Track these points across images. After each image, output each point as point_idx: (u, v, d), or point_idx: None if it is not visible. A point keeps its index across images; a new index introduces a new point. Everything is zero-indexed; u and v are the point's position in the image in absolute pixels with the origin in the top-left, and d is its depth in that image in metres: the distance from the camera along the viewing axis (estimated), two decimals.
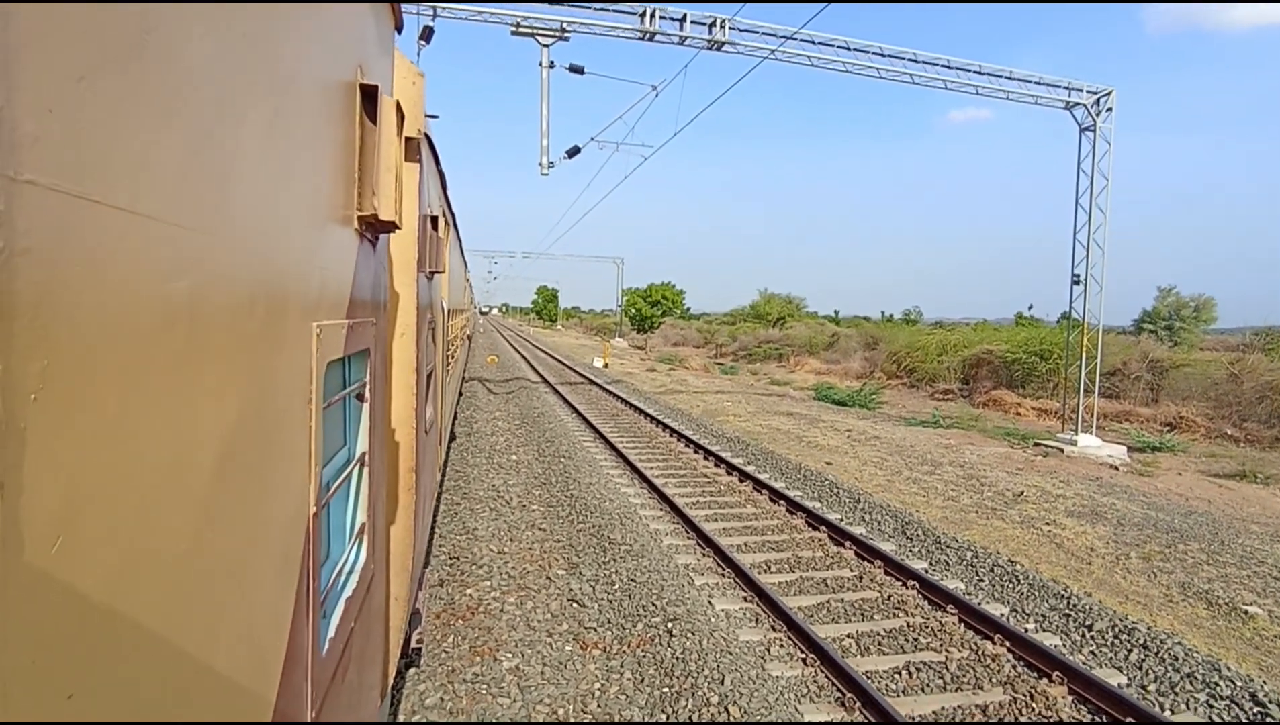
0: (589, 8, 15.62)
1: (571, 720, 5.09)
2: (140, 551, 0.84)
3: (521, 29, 15.55)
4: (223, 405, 1.09)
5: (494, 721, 5.04)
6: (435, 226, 4.75)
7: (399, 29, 3.02)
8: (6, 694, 0.60)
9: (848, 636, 6.62)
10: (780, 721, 5.01)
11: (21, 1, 0.61)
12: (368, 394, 2.51)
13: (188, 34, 0.93)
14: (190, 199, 0.95)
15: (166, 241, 0.88)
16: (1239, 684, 5.79)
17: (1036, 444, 17.98)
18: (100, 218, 0.73)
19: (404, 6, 3.02)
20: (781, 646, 6.40)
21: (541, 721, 5.07)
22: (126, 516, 0.80)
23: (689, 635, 6.33)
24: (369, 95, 2.16)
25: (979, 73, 17.66)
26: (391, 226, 2.39)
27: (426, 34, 14.09)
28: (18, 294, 0.61)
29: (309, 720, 1.64)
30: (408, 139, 3.22)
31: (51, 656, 0.66)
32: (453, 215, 7.89)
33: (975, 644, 6.48)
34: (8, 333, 0.60)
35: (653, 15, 15.68)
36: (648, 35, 15.89)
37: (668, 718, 5.23)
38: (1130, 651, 6.39)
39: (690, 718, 5.21)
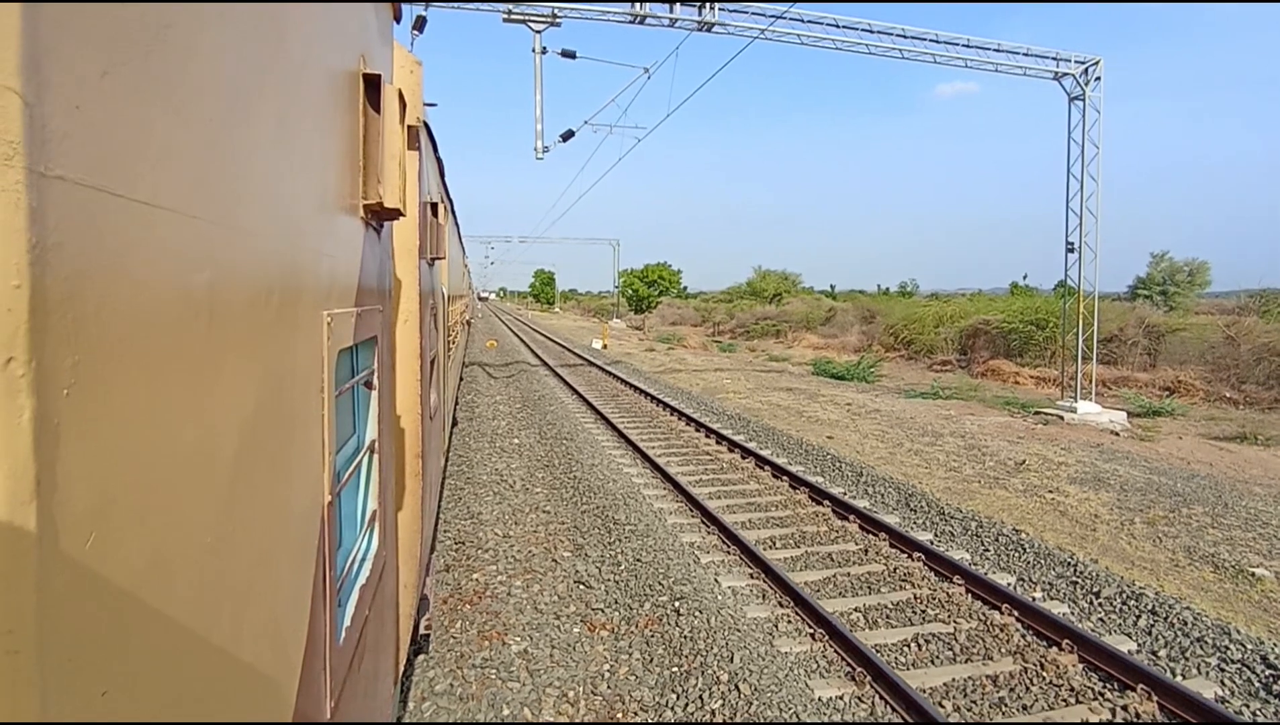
0: None
1: (578, 721, 5.06)
2: (168, 545, 0.84)
3: (513, 16, 15.64)
4: (241, 396, 1.10)
5: (502, 721, 5.02)
6: (435, 213, 4.74)
7: (398, 19, 3.06)
8: (45, 692, 0.61)
9: (855, 610, 6.62)
10: (784, 722, 4.98)
11: (48, 1, 0.61)
12: (375, 381, 2.52)
13: (203, 28, 0.94)
14: (207, 191, 0.96)
15: (187, 234, 0.89)
16: (1250, 647, 5.80)
17: (1036, 412, 18.02)
18: (125, 212, 0.74)
19: None
20: (789, 622, 6.40)
21: (549, 721, 5.05)
22: (154, 510, 0.81)
23: (697, 614, 6.33)
24: (372, 84, 2.19)
25: (967, 46, 17.84)
26: (396, 214, 2.42)
27: (420, 23, 14.17)
28: (50, 289, 0.61)
29: (328, 710, 1.65)
30: (408, 127, 3.20)
31: (87, 653, 0.67)
32: (451, 202, 7.88)
33: (983, 614, 6.49)
34: (41, 328, 0.60)
35: None
36: (638, 19, 15.99)
37: (678, 697, 5.22)
38: (1139, 617, 6.40)
39: (701, 696, 5.21)
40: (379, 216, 2.37)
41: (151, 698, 0.79)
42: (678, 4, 15.95)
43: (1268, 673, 5.48)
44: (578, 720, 5.05)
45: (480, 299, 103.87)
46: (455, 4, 15.11)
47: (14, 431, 0.58)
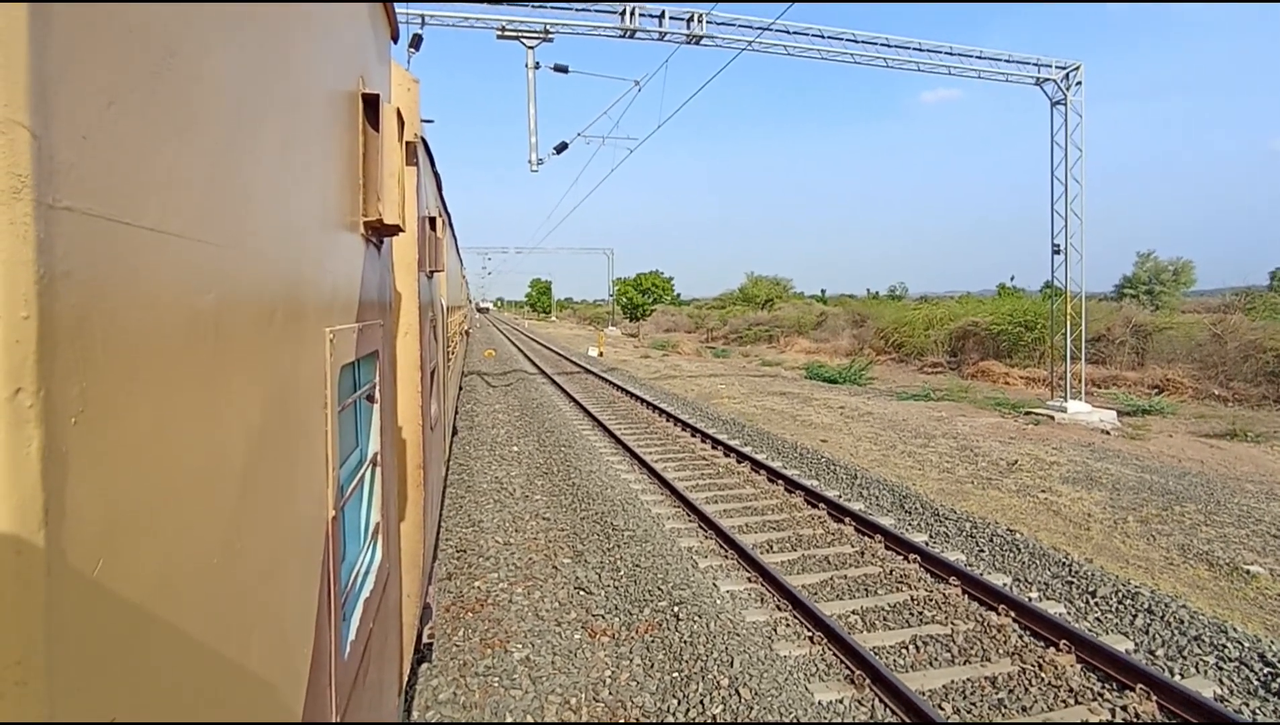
0: (571, 9, 15.95)
1: (580, 722, 5.08)
2: (176, 566, 0.84)
3: (507, 32, 15.88)
4: (246, 415, 1.10)
5: (506, 722, 5.03)
6: (433, 227, 4.79)
7: (395, 38, 3.08)
8: (54, 721, 0.60)
9: (853, 613, 6.65)
10: (787, 723, 5.01)
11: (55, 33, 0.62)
12: (377, 395, 2.54)
13: (207, 54, 0.95)
14: (213, 214, 0.97)
15: (192, 257, 0.90)
16: (1247, 645, 5.83)
17: (1027, 412, 18.14)
18: (132, 239, 0.75)
19: (397, 15, 3.06)
20: (788, 626, 6.43)
21: (552, 722, 5.07)
22: (162, 532, 0.81)
23: (696, 618, 6.35)
24: (370, 104, 2.22)
25: (949, 53, 18.13)
26: (395, 230, 2.44)
27: (416, 41, 14.36)
28: (58, 318, 0.62)
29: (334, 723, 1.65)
30: (406, 143, 3.25)
31: (95, 680, 0.67)
32: (448, 215, 7.94)
33: (980, 615, 6.53)
34: (50, 357, 0.61)
35: (632, 13, 16.01)
36: (628, 33, 16.24)
37: (679, 702, 5.24)
38: (1135, 616, 6.45)
39: (702, 701, 5.22)
40: (379, 232, 2.39)
41: (161, 718, 0.80)
42: (667, 18, 16.19)
43: (1266, 670, 5.52)
44: (580, 722, 5.07)
45: (479, 310, 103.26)
46: (450, 15, 15.25)
47: (22, 462, 0.58)
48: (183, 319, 0.87)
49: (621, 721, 5.07)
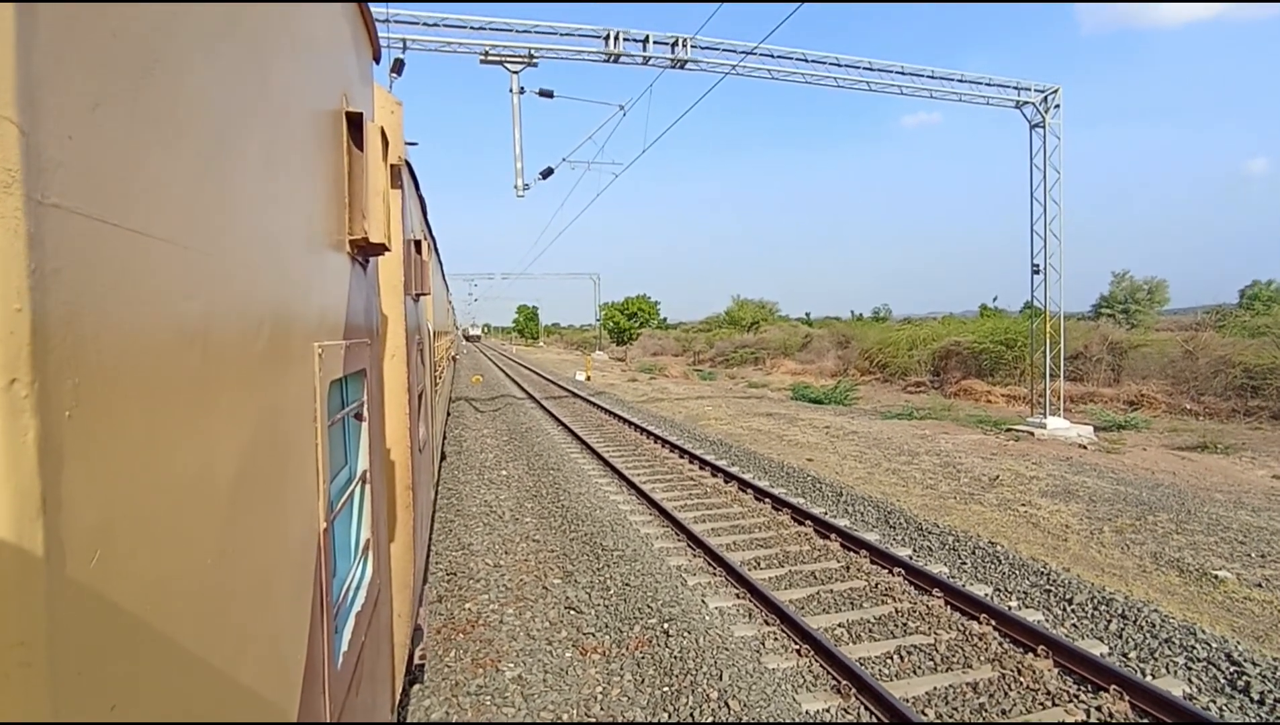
0: (555, 33, 16.10)
1: (577, 721, 5.19)
2: (170, 566, 0.86)
3: (490, 57, 15.94)
4: (238, 422, 1.11)
5: (498, 722, 5.13)
6: (419, 250, 4.82)
7: (377, 59, 3.11)
8: (56, 702, 0.62)
9: (839, 625, 6.78)
10: (777, 722, 5.14)
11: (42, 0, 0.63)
12: (365, 413, 2.58)
13: (189, 64, 0.96)
14: (198, 221, 0.98)
15: (178, 263, 0.91)
16: (1214, 645, 6.04)
17: (1008, 429, 18.43)
18: (119, 240, 0.76)
19: (379, 38, 3.13)
20: (776, 639, 6.54)
21: (549, 722, 5.17)
22: (156, 532, 0.82)
23: (685, 634, 6.45)
24: (354, 122, 2.20)
25: (931, 77, 18.49)
26: (381, 249, 2.45)
27: (398, 66, 14.40)
28: (50, 313, 0.63)
29: None
30: (390, 165, 3.30)
31: (96, 666, 0.68)
32: (433, 239, 7.98)
33: (962, 625, 6.69)
34: (43, 350, 0.62)
35: (617, 38, 16.18)
36: (613, 57, 16.40)
37: (669, 716, 5.34)
38: (1110, 622, 6.64)
39: (692, 714, 5.33)
40: (364, 251, 2.39)
41: (159, 712, 0.81)
42: (651, 42, 16.40)
43: (1232, 669, 5.72)
44: (578, 722, 5.17)
45: (468, 338, 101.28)
46: (432, 40, 15.39)
47: (19, 450, 0.59)
48: (171, 323, 0.88)
49: (621, 722, 5.18)
